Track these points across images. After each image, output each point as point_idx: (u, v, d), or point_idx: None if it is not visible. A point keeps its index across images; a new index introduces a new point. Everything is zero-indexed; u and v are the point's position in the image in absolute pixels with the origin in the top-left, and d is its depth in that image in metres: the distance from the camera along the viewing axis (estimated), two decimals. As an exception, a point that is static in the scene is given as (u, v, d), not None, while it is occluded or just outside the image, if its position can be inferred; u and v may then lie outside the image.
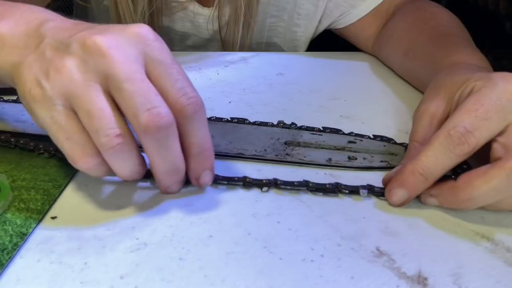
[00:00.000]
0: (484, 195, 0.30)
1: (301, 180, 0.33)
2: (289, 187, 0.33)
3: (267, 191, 0.33)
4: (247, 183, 0.33)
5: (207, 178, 0.31)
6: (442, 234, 0.30)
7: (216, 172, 0.33)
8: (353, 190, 0.33)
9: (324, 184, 0.33)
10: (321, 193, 0.33)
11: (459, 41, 0.49)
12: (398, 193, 0.31)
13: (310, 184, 0.33)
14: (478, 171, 0.30)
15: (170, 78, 0.28)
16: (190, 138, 0.29)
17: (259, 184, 0.33)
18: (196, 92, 0.29)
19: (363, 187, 0.33)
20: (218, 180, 0.33)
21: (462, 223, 0.31)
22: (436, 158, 0.30)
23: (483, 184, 0.29)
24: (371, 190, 0.33)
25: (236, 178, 0.33)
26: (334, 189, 0.33)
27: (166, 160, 0.29)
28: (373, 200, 0.33)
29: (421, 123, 0.35)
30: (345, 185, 0.33)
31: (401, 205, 0.32)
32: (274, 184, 0.33)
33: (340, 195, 0.33)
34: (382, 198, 0.33)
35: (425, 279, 0.26)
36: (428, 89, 0.38)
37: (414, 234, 0.30)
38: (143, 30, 0.29)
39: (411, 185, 0.31)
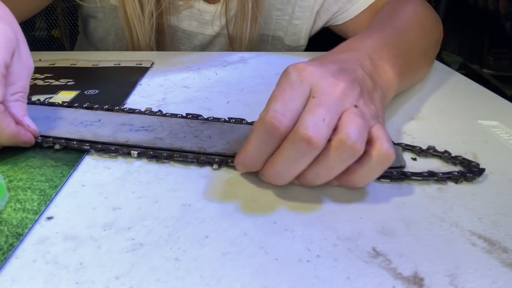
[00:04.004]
0: (284, 166, 0.31)
1: None
2: None
3: None
4: None
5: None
6: (438, 234, 0.30)
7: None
8: None
9: None
10: None
11: (381, 29, 0.49)
12: None
13: None
14: None
15: None
16: None
17: None
18: None
19: None
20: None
21: (458, 224, 0.31)
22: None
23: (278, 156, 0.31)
24: None
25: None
26: None
27: None
28: (372, 201, 0.33)
29: None
30: None
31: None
32: None
33: None
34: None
35: (421, 279, 0.26)
36: None
37: (410, 235, 0.30)
38: None
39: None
